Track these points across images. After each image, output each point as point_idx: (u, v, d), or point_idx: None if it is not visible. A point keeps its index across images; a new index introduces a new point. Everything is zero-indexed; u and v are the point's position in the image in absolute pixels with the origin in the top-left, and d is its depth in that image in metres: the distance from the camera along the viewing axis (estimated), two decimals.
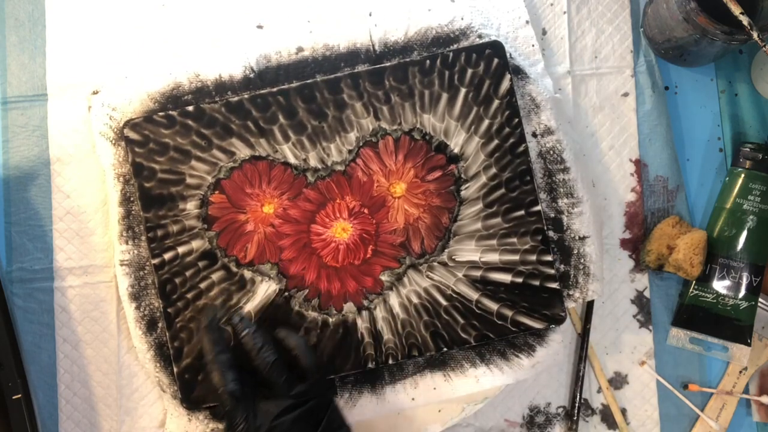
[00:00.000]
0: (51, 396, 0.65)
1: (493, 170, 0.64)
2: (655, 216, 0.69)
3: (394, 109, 0.65)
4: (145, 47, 0.68)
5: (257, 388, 0.57)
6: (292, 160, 0.64)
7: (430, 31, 0.66)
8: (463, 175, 0.65)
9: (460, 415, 0.64)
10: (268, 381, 0.56)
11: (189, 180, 0.64)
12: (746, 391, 0.68)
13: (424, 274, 0.64)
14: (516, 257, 0.64)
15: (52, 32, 0.69)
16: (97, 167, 0.67)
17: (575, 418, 0.66)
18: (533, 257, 0.64)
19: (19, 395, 0.62)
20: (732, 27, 0.59)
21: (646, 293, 0.68)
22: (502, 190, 0.64)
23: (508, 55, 0.65)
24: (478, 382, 0.64)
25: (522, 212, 0.64)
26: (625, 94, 0.69)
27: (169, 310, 0.63)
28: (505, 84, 0.64)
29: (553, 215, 0.65)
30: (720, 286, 0.67)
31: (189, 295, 0.63)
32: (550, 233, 0.65)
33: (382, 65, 0.65)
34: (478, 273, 0.64)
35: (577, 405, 0.66)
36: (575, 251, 0.65)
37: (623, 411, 0.67)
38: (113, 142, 0.65)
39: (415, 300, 0.64)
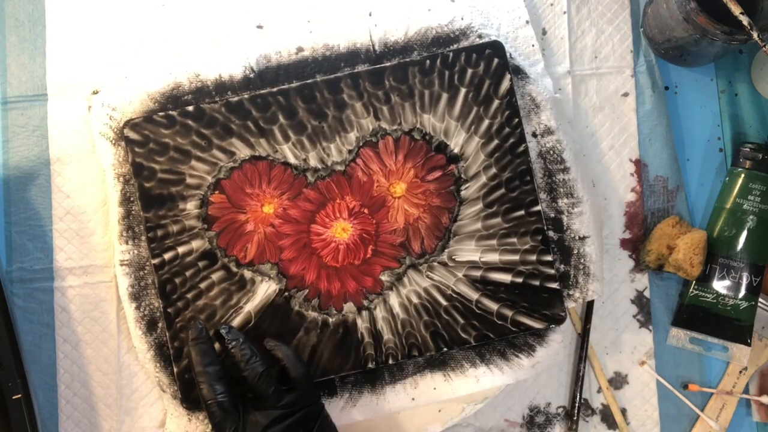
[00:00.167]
0: (51, 396, 0.65)
1: (493, 170, 0.64)
2: (655, 216, 0.69)
3: (394, 109, 0.65)
4: (145, 47, 0.68)
5: (246, 399, 0.57)
6: (292, 160, 0.64)
7: (430, 31, 0.66)
8: (463, 175, 0.65)
9: (460, 415, 0.64)
10: (257, 392, 0.56)
11: (189, 180, 0.64)
12: (746, 391, 0.68)
13: (424, 274, 0.64)
14: (516, 257, 0.64)
15: (52, 32, 0.69)
16: (97, 167, 0.67)
17: (575, 418, 0.66)
18: (533, 257, 0.64)
19: (19, 395, 0.62)
20: (732, 27, 0.59)
21: (646, 293, 0.68)
22: (502, 190, 0.64)
23: (508, 55, 0.65)
24: (478, 382, 0.64)
25: (522, 212, 0.64)
26: (625, 94, 0.69)
27: (169, 310, 0.63)
28: (505, 84, 0.64)
29: (553, 215, 0.65)
30: (720, 286, 0.67)
31: (189, 295, 0.63)
32: (550, 233, 0.65)
33: (382, 65, 0.65)
34: (478, 273, 0.64)
35: (577, 405, 0.66)
36: (575, 251, 0.65)
37: (623, 411, 0.67)
38: (113, 142, 0.65)
39: (415, 300, 0.64)
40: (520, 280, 0.63)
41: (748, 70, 0.71)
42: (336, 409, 0.64)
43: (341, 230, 0.64)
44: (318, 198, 0.64)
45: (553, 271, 0.63)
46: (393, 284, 0.64)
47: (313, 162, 0.64)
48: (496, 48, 0.64)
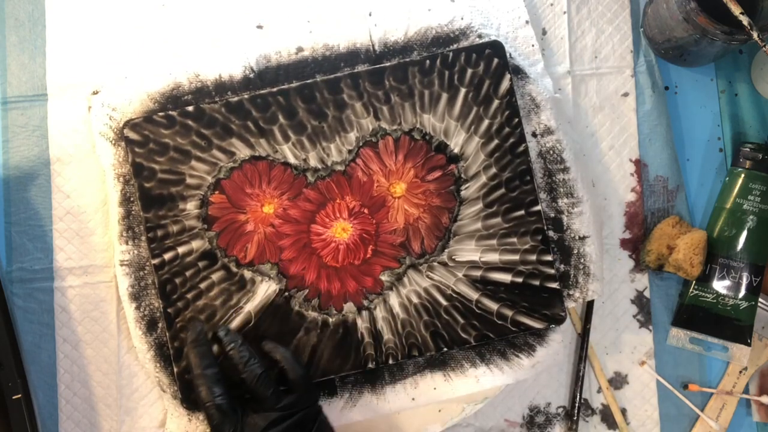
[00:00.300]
0: (51, 396, 0.65)
1: (493, 170, 0.64)
2: (655, 216, 0.69)
3: (394, 109, 0.65)
4: (145, 47, 0.68)
5: (245, 401, 0.57)
6: (292, 160, 0.64)
7: (430, 31, 0.66)
8: (463, 175, 0.65)
9: (460, 415, 0.64)
10: (256, 394, 0.56)
11: (189, 180, 0.64)
12: (746, 391, 0.68)
13: (424, 274, 0.64)
14: (516, 257, 0.64)
15: (52, 32, 0.69)
16: (97, 167, 0.67)
17: (575, 418, 0.66)
18: (533, 257, 0.64)
19: (19, 395, 0.62)
20: (732, 27, 0.59)
21: (646, 293, 0.68)
22: (502, 190, 0.64)
23: (508, 55, 0.65)
24: (478, 382, 0.64)
25: (522, 212, 0.64)
26: (625, 94, 0.69)
27: (169, 310, 0.63)
28: (505, 84, 0.64)
29: (553, 215, 0.65)
30: (720, 286, 0.67)
31: (189, 295, 0.63)
32: (550, 233, 0.65)
33: (382, 65, 0.65)
34: (478, 273, 0.64)
35: (577, 405, 0.66)
36: (575, 251, 0.65)
37: (623, 411, 0.67)
38: (113, 142, 0.65)
39: (415, 300, 0.64)
40: (520, 280, 0.63)
41: (748, 70, 0.71)
42: (336, 409, 0.64)
43: (341, 230, 0.64)
44: (318, 198, 0.64)
45: (553, 271, 0.63)
46: (393, 284, 0.64)
47: (313, 162, 0.64)
48: (496, 48, 0.64)
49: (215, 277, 0.63)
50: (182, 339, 0.62)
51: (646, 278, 0.68)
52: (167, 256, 0.63)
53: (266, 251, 0.64)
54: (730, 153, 0.70)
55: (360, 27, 0.67)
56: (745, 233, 0.67)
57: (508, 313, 0.63)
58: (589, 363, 0.67)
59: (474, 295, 0.63)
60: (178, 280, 0.63)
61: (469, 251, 0.64)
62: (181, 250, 0.63)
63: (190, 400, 0.62)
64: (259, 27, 0.68)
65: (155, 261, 0.63)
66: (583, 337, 0.67)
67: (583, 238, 0.65)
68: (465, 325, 0.63)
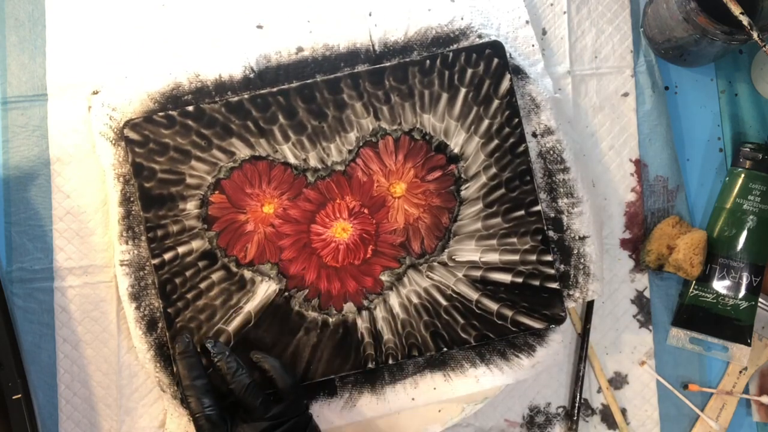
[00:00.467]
0: (51, 396, 0.65)
1: (493, 170, 0.64)
2: (655, 216, 0.69)
3: (394, 109, 0.65)
4: (145, 47, 0.68)
5: (235, 411, 0.57)
6: (292, 160, 0.64)
7: (430, 31, 0.66)
8: (463, 175, 0.65)
9: (460, 415, 0.64)
10: (245, 404, 0.57)
11: (189, 180, 0.64)
12: (746, 391, 0.68)
13: (424, 274, 0.64)
14: (516, 257, 0.64)
15: (52, 32, 0.69)
16: (97, 167, 0.67)
17: (575, 418, 0.66)
18: (533, 257, 0.64)
19: (19, 395, 0.62)
20: (732, 27, 0.59)
21: (646, 293, 0.68)
22: (502, 190, 0.64)
23: (508, 55, 0.65)
24: (478, 382, 0.64)
25: (522, 212, 0.64)
26: (625, 94, 0.69)
27: (169, 310, 0.63)
28: (505, 84, 0.64)
29: (553, 215, 0.65)
30: (720, 286, 0.67)
31: (189, 295, 0.63)
32: (550, 233, 0.65)
33: (382, 65, 0.65)
34: (478, 273, 0.64)
35: (577, 405, 0.66)
36: (575, 251, 0.65)
37: (623, 411, 0.67)
38: (113, 142, 0.65)
39: (415, 300, 0.64)
40: (520, 280, 0.63)
41: (748, 70, 0.71)
42: (336, 409, 0.64)
43: (341, 230, 0.64)
44: (318, 198, 0.64)
45: (553, 271, 0.63)
46: (393, 284, 0.64)
47: (313, 162, 0.64)
48: (496, 48, 0.64)
49: (215, 277, 0.63)
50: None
51: (646, 278, 0.68)
52: (167, 256, 0.63)
53: (266, 251, 0.64)
54: (730, 153, 0.70)
55: (360, 27, 0.67)
56: (745, 233, 0.67)
57: (508, 313, 0.63)
58: (589, 363, 0.67)
59: (474, 295, 0.63)
60: (178, 280, 0.63)
61: (469, 251, 0.64)
62: (181, 250, 0.63)
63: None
64: (259, 27, 0.68)
65: (155, 261, 0.63)
66: (583, 337, 0.67)
67: (583, 238, 0.65)
68: (465, 325, 0.63)
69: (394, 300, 0.64)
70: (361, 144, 0.65)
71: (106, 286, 0.66)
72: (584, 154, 0.68)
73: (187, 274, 0.63)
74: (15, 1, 0.69)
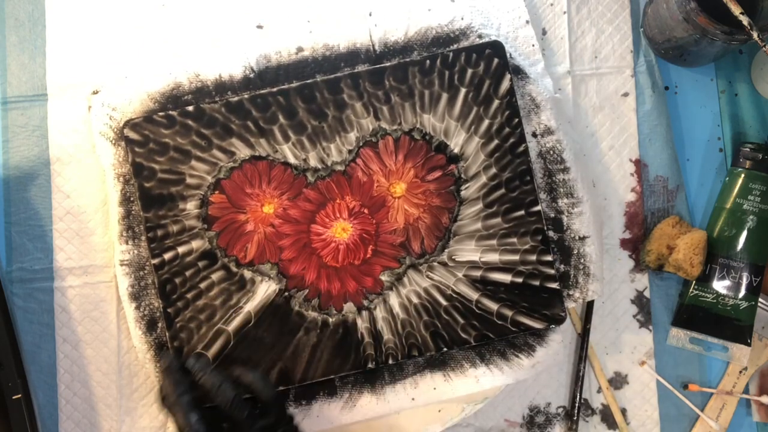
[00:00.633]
0: (51, 396, 0.65)
1: (493, 170, 0.64)
2: (655, 216, 0.69)
3: (394, 109, 0.65)
4: (145, 47, 0.68)
5: (221, 427, 0.57)
6: (292, 160, 0.64)
7: (430, 31, 0.66)
8: (463, 175, 0.65)
9: (460, 415, 0.64)
10: (232, 418, 0.56)
11: (189, 180, 0.64)
12: (746, 391, 0.68)
13: (424, 274, 0.64)
14: (516, 257, 0.64)
15: (52, 32, 0.69)
16: (97, 167, 0.67)
17: (575, 418, 0.66)
18: (533, 257, 0.64)
19: (19, 395, 0.62)
20: (732, 27, 0.59)
21: (646, 293, 0.68)
22: (502, 190, 0.64)
23: (508, 55, 0.65)
24: (478, 382, 0.64)
25: (522, 212, 0.64)
26: (625, 94, 0.69)
27: (169, 310, 0.63)
28: (505, 84, 0.64)
29: (553, 215, 0.65)
30: (720, 286, 0.67)
31: (189, 295, 0.63)
32: (550, 233, 0.65)
33: (382, 65, 0.65)
34: (478, 273, 0.64)
35: (577, 405, 0.66)
36: (575, 251, 0.65)
37: (623, 411, 0.67)
38: (113, 142, 0.65)
39: (415, 300, 0.64)
40: (520, 280, 0.63)
41: (748, 70, 0.71)
42: (336, 409, 0.64)
43: (341, 230, 0.64)
44: (318, 198, 0.64)
45: (553, 271, 0.63)
46: (393, 284, 0.64)
47: (313, 162, 0.64)
48: (496, 48, 0.64)
49: (215, 276, 0.63)
50: (182, 339, 0.62)
51: (646, 278, 0.68)
52: (167, 255, 0.63)
53: (266, 251, 0.64)
54: (730, 153, 0.70)
55: (360, 27, 0.67)
56: (745, 233, 0.67)
57: (508, 313, 0.63)
58: (589, 363, 0.67)
59: (474, 295, 0.63)
60: (177, 280, 0.63)
61: (469, 251, 0.64)
62: (181, 249, 0.63)
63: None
64: (259, 27, 0.68)
65: (155, 261, 0.63)
66: (583, 337, 0.67)
67: (583, 239, 0.65)
68: (465, 325, 0.63)
69: (394, 300, 0.64)
70: (361, 144, 0.65)
71: (106, 286, 0.66)
72: (584, 154, 0.68)
73: (187, 274, 0.63)
74: (15, 1, 0.69)
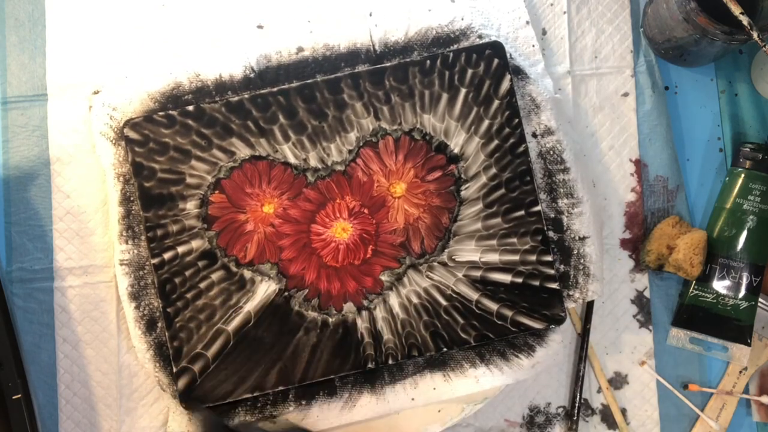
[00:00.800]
0: (51, 396, 0.65)
1: (493, 170, 0.64)
2: (655, 216, 0.69)
3: (394, 109, 0.65)
4: (145, 47, 0.68)
5: None
6: (292, 160, 0.64)
7: (431, 31, 0.66)
8: (463, 175, 0.65)
9: (460, 415, 0.64)
10: None
11: (189, 180, 0.64)
12: (746, 391, 0.68)
13: (424, 274, 0.64)
14: (516, 257, 0.64)
15: (52, 32, 0.69)
16: (97, 167, 0.67)
17: (575, 418, 0.66)
18: (533, 257, 0.64)
19: (19, 395, 0.62)
20: (732, 27, 0.59)
21: (646, 293, 0.68)
22: (502, 191, 0.64)
23: (508, 55, 0.65)
24: (478, 383, 0.64)
25: (522, 212, 0.64)
26: (625, 94, 0.69)
27: (168, 309, 0.63)
28: (505, 84, 0.64)
29: (553, 215, 0.65)
30: (720, 286, 0.67)
31: (188, 295, 0.63)
32: (550, 233, 0.65)
33: (383, 65, 0.65)
34: (478, 273, 0.64)
35: (577, 405, 0.66)
36: (575, 251, 0.65)
37: (623, 411, 0.67)
38: (113, 141, 0.65)
39: (415, 300, 0.64)
40: (520, 280, 0.63)
41: (748, 70, 0.71)
42: (336, 409, 0.64)
43: (341, 230, 0.64)
44: (318, 198, 0.64)
45: (553, 272, 0.63)
46: (393, 284, 0.64)
47: (313, 162, 0.64)
48: (496, 48, 0.64)
49: (215, 276, 0.63)
50: (182, 339, 0.62)
51: (646, 278, 0.68)
52: (167, 255, 0.63)
53: (266, 251, 0.64)
54: (730, 153, 0.70)
55: (360, 27, 0.67)
56: (745, 233, 0.67)
57: (508, 313, 0.63)
58: (589, 363, 0.67)
59: (474, 295, 0.63)
60: (177, 280, 0.63)
61: (469, 251, 0.64)
62: (180, 249, 0.63)
63: (189, 400, 0.62)
64: (260, 27, 0.68)
65: (155, 260, 0.63)
66: (583, 337, 0.67)
67: (583, 239, 0.65)
68: (465, 325, 0.63)
69: (393, 300, 0.64)
70: (361, 144, 0.65)
71: (106, 286, 0.66)
72: (584, 154, 0.68)
73: (187, 273, 0.63)
74: (15, 1, 0.69)
